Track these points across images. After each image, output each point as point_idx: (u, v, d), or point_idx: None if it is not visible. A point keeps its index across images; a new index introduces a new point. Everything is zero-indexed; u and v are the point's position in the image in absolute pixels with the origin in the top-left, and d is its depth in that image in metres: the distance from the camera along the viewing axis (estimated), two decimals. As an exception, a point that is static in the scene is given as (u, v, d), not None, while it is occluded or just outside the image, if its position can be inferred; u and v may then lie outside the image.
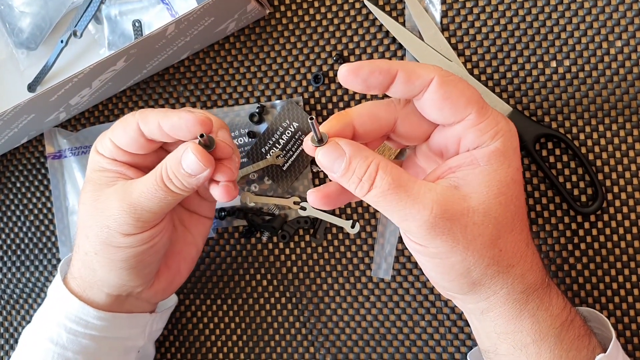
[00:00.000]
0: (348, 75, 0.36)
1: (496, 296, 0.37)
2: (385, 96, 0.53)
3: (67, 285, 0.47)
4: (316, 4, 0.54)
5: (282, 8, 0.55)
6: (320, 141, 0.36)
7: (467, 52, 0.51)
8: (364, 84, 0.36)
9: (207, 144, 0.41)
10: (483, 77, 0.51)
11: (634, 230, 0.48)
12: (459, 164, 0.36)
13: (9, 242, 0.62)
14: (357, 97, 0.53)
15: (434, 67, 0.36)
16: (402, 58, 0.52)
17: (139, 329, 0.51)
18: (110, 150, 0.44)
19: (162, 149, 0.47)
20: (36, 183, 0.61)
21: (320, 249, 0.55)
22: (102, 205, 0.43)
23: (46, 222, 0.61)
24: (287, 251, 0.55)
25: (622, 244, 0.48)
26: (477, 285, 0.37)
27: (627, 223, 0.48)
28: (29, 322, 0.61)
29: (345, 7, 0.53)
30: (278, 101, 0.55)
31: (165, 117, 0.41)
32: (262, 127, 0.55)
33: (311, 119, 0.35)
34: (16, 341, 0.62)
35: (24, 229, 0.62)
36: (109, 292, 0.46)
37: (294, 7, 0.55)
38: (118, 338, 0.49)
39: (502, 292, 0.37)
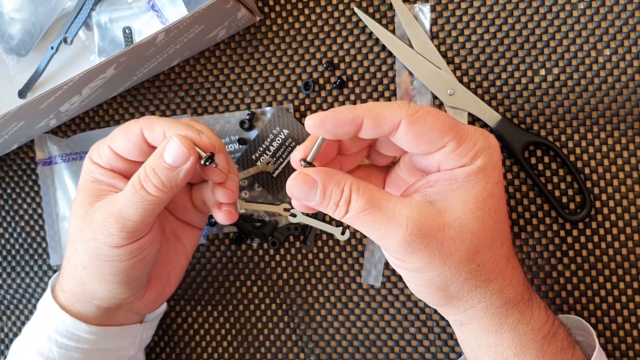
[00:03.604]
0: (313, 128, 0.36)
1: (474, 310, 0.37)
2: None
3: (57, 299, 0.47)
4: (306, 12, 0.54)
5: (272, 15, 0.55)
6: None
7: (457, 60, 0.51)
8: (331, 135, 0.36)
9: (212, 160, 0.41)
10: (472, 85, 0.51)
11: (622, 237, 0.48)
12: (437, 179, 0.36)
13: (-1, 248, 0.62)
14: (347, 104, 0.54)
15: (401, 106, 0.35)
16: (392, 66, 0.52)
17: (130, 339, 0.51)
18: (107, 157, 0.44)
19: None
20: (26, 189, 0.61)
21: (310, 256, 0.55)
22: (89, 218, 0.43)
23: (37, 228, 0.61)
24: (278, 258, 0.55)
25: (610, 252, 0.49)
26: (454, 299, 0.37)
27: (615, 230, 0.49)
28: (19, 328, 0.61)
29: (336, 14, 0.54)
30: (268, 108, 0.55)
31: (173, 129, 0.41)
32: (253, 134, 0.55)
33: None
34: (7, 347, 0.62)
35: (15, 235, 0.61)
36: (99, 304, 0.46)
37: (284, 14, 0.55)
38: (109, 350, 0.49)
39: (479, 306, 0.37)
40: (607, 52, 0.48)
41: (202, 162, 0.41)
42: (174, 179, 0.40)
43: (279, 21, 0.55)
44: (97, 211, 0.42)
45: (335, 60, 0.54)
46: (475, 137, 0.36)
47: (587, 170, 0.49)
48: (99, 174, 0.44)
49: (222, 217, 0.45)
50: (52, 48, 0.58)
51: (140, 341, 0.52)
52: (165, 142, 0.41)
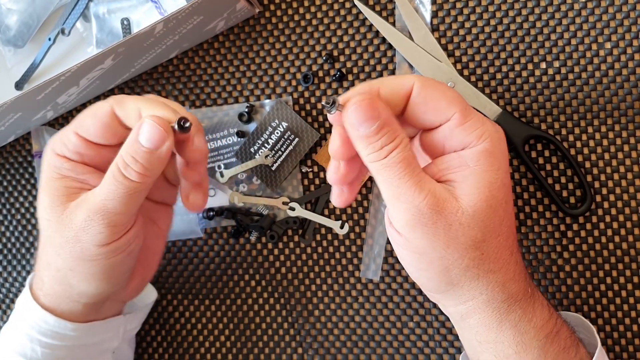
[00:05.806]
0: (337, 118, 0.36)
1: (475, 301, 0.37)
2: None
3: (38, 301, 0.45)
4: (306, 3, 0.54)
5: (272, 7, 0.55)
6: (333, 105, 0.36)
7: (457, 53, 0.51)
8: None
9: (185, 126, 0.38)
10: (473, 78, 0.51)
11: (622, 232, 0.48)
12: (447, 166, 0.36)
13: (-5, 241, 0.62)
14: (346, 97, 0.53)
15: (413, 75, 0.37)
16: (392, 58, 0.52)
17: (113, 331, 0.50)
18: (74, 145, 0.41)
19: None
20: (23, 182, 0.61)
21: (309, 250, 0.54)
22: (68, 218, 0.40)
23: (33, 221, 0.60)
24: (276, 252, 0.55)
25: (610, 246, 0.48)
26: (455, 286, 0.37)
27: (615, 225, 0.48)
28: (15, 322, 0.61)
29: (335, 6, 0.53)
30: (267, 101, 0.55)
31: (148, 107, 0.39)
32: (251, 127, 0.55)
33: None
34: (2, 341, 0.61)
35: (10, 228, 0.61)
36: (87, 301, 0.44)
37: (283, 6, 0.54)
38: (93, 344, 0.48)
39: (481, 298, 0.37)
40: (608, 45, 0.48)
41: (177, 127, 0.38)
42: (156, 161, 0.38)
43: (279, 13, 0.55)
44: (75, 210, 0.39)
45: (335, 53, 0.53)
46: (483, 119, 0.36)
47: (587, 164, 0.49)
48: (65, 169, 0.41)
49: (190, 204, 0.43)
50: (49, 39, 0.58)
51: (124, 332, 0.51)
52: (139, 126, 0.38)
